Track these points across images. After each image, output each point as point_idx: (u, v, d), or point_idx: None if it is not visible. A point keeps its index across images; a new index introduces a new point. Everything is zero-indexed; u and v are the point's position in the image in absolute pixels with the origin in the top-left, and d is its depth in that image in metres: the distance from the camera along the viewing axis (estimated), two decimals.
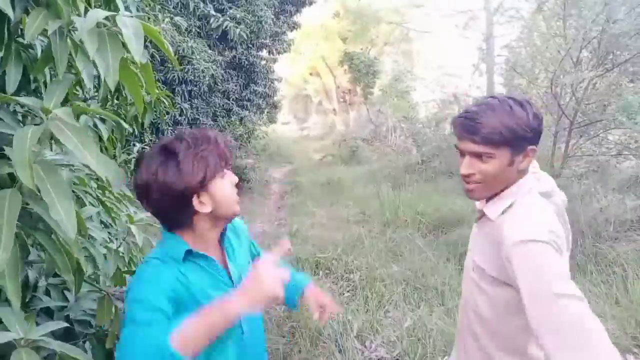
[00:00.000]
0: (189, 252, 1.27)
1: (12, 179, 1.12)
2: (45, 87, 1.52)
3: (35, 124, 1.68)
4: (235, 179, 1.35)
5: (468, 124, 1.33)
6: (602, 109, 5.20)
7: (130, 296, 1.19)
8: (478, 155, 1.34)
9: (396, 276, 4.66)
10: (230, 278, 1.36)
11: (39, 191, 0.97)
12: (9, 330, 1.05)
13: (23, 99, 1.05)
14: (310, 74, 27.65)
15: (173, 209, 1.24)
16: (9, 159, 1.22)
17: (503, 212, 1.37)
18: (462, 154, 1.41)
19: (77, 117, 1.34)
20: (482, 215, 1.46)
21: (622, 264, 4.18)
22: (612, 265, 4.23)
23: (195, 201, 1.24)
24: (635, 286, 3.82)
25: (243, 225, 1.58)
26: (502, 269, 1.29)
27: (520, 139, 1.29)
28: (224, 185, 1.29)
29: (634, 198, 5.55)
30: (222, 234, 1.40)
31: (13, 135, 1.11)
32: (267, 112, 13.31)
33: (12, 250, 0.97)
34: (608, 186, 5.65)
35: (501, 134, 1.28)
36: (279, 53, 11.82)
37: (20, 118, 1.61)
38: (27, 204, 1.06)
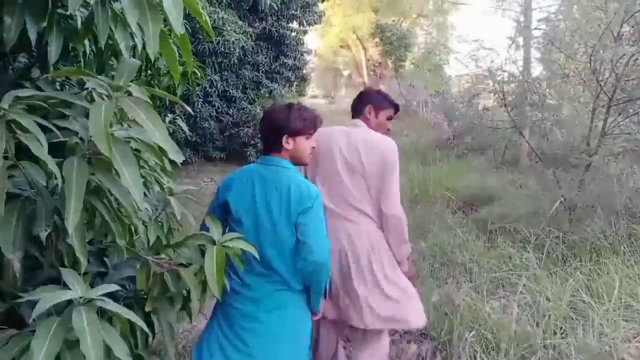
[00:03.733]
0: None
1: (73, 150, 1.18)
2: (84, 57, 1.55)
3: (74, 93, 1.73)
4: (314, 144, 2.12)
5: None
6: None
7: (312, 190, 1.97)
8: None
9: (424, 252, 4.66)
10: None
11: (107, 159, 1.05)
12: (69, 289, 1.12)
13: (100, 77, 1.14)
14: (341, 47, 27.33)
15: (273, 136, 2.02)
16: (64, 129, 1.27)
17: None
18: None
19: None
20: None
21: None
22: None
23: (284, 139, 2.00)
24: None
25: None
26: None
27: None
28: (305, 143, 2.06)
29: None
30: None
31: (81, 107, 1.18)
32: (296, 85, 13.26)
33: (80, 213, 1.04)
34: None
35: None
36: (309, 25, 11.68)
37: (58, 87, 1.66)
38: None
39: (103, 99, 1.09)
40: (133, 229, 1.44)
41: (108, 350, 1.09)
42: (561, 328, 3.07)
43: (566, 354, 2.79)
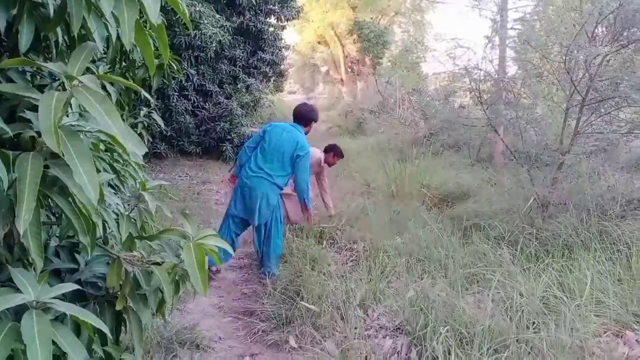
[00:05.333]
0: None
1: (33, 142, 1.13)
2: (56, 46, 1.50)
3: (42, 85, 1.68)
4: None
5: None
6: (614, 86, 5.11)
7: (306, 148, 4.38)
8: None
9: (400, 248, 4.68)
10: None
11: (63, 156, 0.98)
12: (21, 292, 1.06)
13: (49, 65, 1.04)
14: (319, 43, 27.26)
15: (308, 120, 4.57)
16: (29, 121, 1.21)
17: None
18: None
19: None
20: None
21: (626, 242, 4.19)
22: (616, 243, 4.24)
23: (312, 123, 4.65)
24: (639, 264, 3.84)
25: None
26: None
27: None
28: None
29: None
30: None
31: (28, 97, 1.11)
32: (274, 81, 13.19)
33: (34, 211, 0.98)
34: (616, 165, 5.61)
35: None
36: (287, 20, 11.62)
37: (29, 77, 1.60)
38: (46, 166, 1.07)
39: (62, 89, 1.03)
40: (102, 225, 1.40)
41: (64, 355, 1.04)
42: (534, 323, 3.12)
43: (538, 349, 2.84)
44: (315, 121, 4.67)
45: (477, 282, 3.93)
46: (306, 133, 4.53)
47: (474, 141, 9.50)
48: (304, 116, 4.53)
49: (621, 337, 3.17)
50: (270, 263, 4.42)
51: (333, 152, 5.71)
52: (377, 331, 3.38)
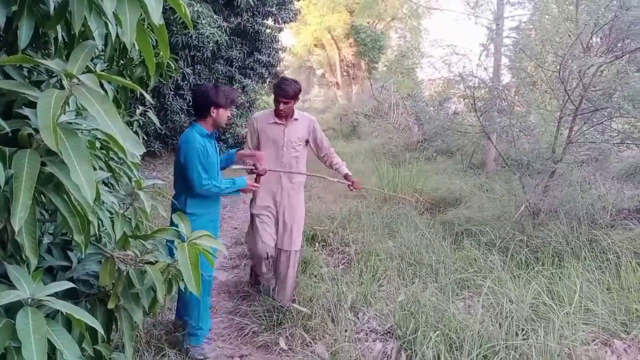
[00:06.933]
0: (208, 135, 3.03)
1: (30, 139, 1.13)
2: (55, 43, 1.50)
3: (39, 81, 1.68)
4: (230, 114, 3.16)
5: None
6: (608, 97, 5.15)
7: (190, 146, 2.91)
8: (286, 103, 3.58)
9: (391, 251, 4.69)
10: (216, 149, 3.10)
11: (61, 154, 0.98)
12: (15, 289, 1.07)
13: (48, 63, 1.05)
14: (315, 46, 27.29)
15: (205, 108, 2.99)
16: (26, 118, 1.21)
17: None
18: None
19: None
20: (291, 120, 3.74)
21: (616, 252, 4.22)
22: (606, 252, 4.27)
23: (212, 109, 2.99)
24: (628, 273, 3.87)
25: None
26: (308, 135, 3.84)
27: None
28: (225, 114, 3.06)
29: (632, 187, 5.56)
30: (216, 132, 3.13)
31: (25, 94, 1.11)
32: (269, 82, 13.20)
33: (30, 209, 0.99)
34: (608, 174, 5.65)
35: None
36: (284, 22, 11.63)
37: (25, 73, 1.60)
38: (42, 164, 1.07)
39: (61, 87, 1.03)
40: (97, 223, 1.40)
41: (54, 351, 1.04)
42: (523, 330, 3.14)
43: (527, 355, 2.86)
44: (214, 106, 2.98)
45: (468, 287, 3.95)
46: (217, 128, 3.11)
47: (467, 148, 9.54)
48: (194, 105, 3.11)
49: (609, 345, 3.20)
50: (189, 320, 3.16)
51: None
52: (367, 334, 3.39)
